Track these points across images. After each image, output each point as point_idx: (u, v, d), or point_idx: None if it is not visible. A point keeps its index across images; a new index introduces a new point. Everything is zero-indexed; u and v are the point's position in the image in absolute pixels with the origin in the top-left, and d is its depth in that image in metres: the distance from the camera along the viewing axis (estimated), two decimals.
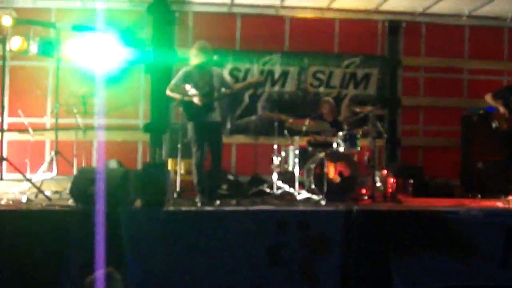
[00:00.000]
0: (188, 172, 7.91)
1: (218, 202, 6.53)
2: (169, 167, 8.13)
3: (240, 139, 9.53)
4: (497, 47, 10.19)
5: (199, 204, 6.47)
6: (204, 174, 6.85)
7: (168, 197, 6.36)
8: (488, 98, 8.16)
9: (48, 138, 8.98)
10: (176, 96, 6.83)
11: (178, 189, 7.26)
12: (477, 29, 10.12)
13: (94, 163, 8.86)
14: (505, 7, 9.44)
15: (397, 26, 9.94)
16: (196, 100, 6.74)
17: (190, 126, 6.88)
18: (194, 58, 6.94)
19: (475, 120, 8.74)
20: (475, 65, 10.16)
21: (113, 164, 8.43)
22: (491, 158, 8.26)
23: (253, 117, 9.56)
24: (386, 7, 9.53)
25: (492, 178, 8.07)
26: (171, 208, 6.02)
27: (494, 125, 8.03)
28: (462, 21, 9.96)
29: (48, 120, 9.10)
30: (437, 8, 9.52)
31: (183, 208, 6.08)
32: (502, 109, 7.95)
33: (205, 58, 6.89)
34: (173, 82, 6.93)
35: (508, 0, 9.00)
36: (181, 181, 7.39)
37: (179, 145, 7.44)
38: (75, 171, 7.23)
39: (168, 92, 6.89)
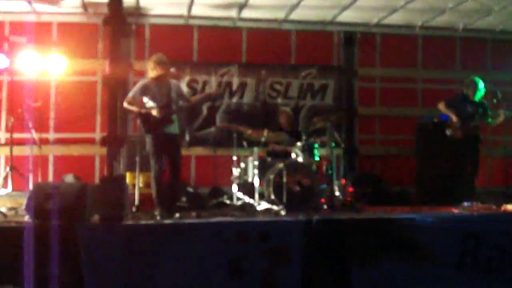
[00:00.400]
0: (147, 185, 7.83)
1: (177, 215, 6.49)
2: (127, 180, 8.03)
3: (199, 151, 9.49)
4: (449, 56, 10.43)
5: (158, 218, 6.40)
6: (163, 187, 6.79)
7: (127, 211, 6.27)
8: (441, 106, 8.32)
9: (2, 153, 8.77)
10: (134, 108, 6.77)
11: (137, 202, 7.18)
12: (430, 40, 10.35)
13: (50, 178, 8.70)
14: (456, 18, 9.69)
15: (352, 37, 10.07)
16: (154, 112, 6.70)
17: (148, 139, 6.81)
18: (151, 70, 6.89)
19: (429, 128, 8.88)
20: (429, 75, 10.38)
21: (70, 179, 8.31)
22: (446, 166, 8.40)
23: (212, 129, 9.53)
24: (341, 18, 9.67)
25: (446, 185, 8.21)
26: (129, 222, 5.94)
27: (448, 133, 8.19)
28: (415, 32, 10.18)
29: (2, 135, 8.90)
30: (391, 20, 9.70)
31: (142, 222, 6.00)
32: (454, 118, 8.12)
33: (162, 70, 6.85)
34: (130, 94, 6.86)
35: (458, 11, 9.23)
36: (140, 194, 7.30)
37: (137, 158, 7.36)
38: (31, 187, 7.08)
39: (125, 105, 6.82)
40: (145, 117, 6.75)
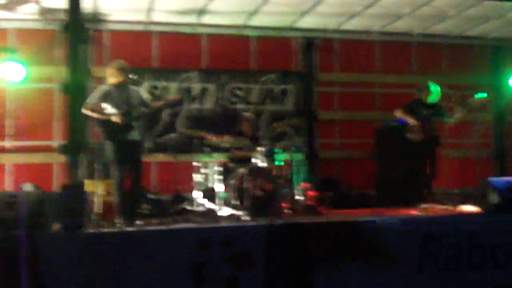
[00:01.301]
0: (107, 193, 7.75)
1: (139, 222, 6.44)
2: (87, 188, 7.92)
3: (160, 157, 9.42)
4: (406, 61, 10.62)
5: (119, 226, 6.35)
6: (125, 195, 6.74)
7: (87, 220, 6.21)
8: (398, 113, 8.45)
9: None
10: (93, 114, 6.71)
11: (97, 210, 7.10)
12: (387, 45, 10.51)
13: (7, 188, 8.53)
14: (413, 24, 9.87)
15: (311, 43, 10.16)
16: (114, 119, 6.65)
17: (108, 146, 6.76)
18: (111, 77, 6.86)
19: (387, 132, 9.02)
20: (386, 79, 10.53)
21: (28, 187, 8.15)
22: (404, 168, 8.54)
23: (173, 135, 9.49)
24: (300, 24, 9.74)
25: (406, 187, 8.35)
26: (90, 230, 5.88)
27: (410, 136, 8.31)
28: (373, 37, 10.32)
29: None
30: (349, 25, 9.83)
31: (104, 230, 5.96)
32: (412, 121, 8.26)
33: (122, 77, 6.82)
34: (89, 100, 6.80)
35: (415, 17, 9.41)
36: (101, 202, 7.23)
37: (96, 166, 7.28)
38: None
39: (84, 111, 6.75)
40: (105, 123, 6.70)
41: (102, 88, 6.89)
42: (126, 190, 6.78)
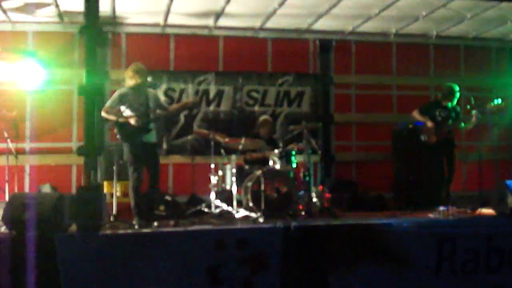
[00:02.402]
0: (124, 194, 7.79)
1: (155, 223, 6.46)
2: (105, 190, 7.97)
3: (177, 159, 9.45)
4: (423, 63, 10.52)
5: (136, 227, 6.38)
6: (142, 196, 6.77)
7: (105, 221, 6.24)
8: (415, 114, 8.42)
9: None
10: (112, 117, 6.75)
11: (114, 212, 7.14)
12: (404, 47, 10.43)
13: (26, 189, 8.60)
14: (430, 26, 9.80)
15: (328, 45, 10.12)
16: (132, 121, 6.69)
17: (126, 147, 6.80)
18: (129, 79, 6.90)
19: (404, 134, 8.94)
20: (403, 81, 10.45)
21: (46, 189, 8.24)
22: (421, 171, 8.48)
23: (189, 137, 9.50)
24: (317, 26, 9.71)
25: (423, 190, 8.29)
26: (107, 231, 5.91)
27: (423, 138, 8.28)
28: (390, 39, 10.26)
29: None
30: (366, 27, 9.77)
31: (120, 231, 5.98)
32: (429, 123, 8.21)
33: (140, 79, 6.85)
34: (108, 103, 6.84)
35: (431, 19, 9.33)
36: (118, 203, 7.26)
37: (114, 167, 7.32)
38: (7, 198, 6.99)
39: (103, 114, 6.80)
40: (123, 125, 6.74)
41: (120, 90, 6.93)
42: (142, 192, 6.81)
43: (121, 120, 6.71)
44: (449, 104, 8.37)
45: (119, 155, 7.18)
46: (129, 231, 6.05)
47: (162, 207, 7.66)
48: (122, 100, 6.79)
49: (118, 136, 6.83)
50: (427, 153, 8.33)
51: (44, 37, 9.04)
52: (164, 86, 9.43)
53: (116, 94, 6.89)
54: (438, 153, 8.23)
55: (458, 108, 8.49)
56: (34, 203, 5.55)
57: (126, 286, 5.52)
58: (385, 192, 8.95)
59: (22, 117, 8.70)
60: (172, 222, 6.63)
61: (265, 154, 8.02)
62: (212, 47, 9.75)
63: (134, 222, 6.55)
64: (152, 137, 6.93)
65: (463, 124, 8.23)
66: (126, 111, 6.74)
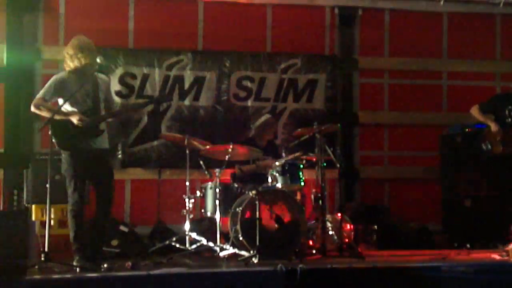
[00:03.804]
0: (61, 223, 7.75)
1: (105, 265, 6.41)
2: (33, 216, 7.92)
3: (137, 173, 9.43)
4: (487, 41, 10.56)
5: (77, 270, 6.32)
6: (86, 225, 6.72)
7: (32, 261, 6.18)
8: (475, 112, 8.38)
9: None
10: (45, 114, 6.70)
11: (46, 248, 7.06)
12: (460, 18, 10.46)
13: None
14: None
15: (351, 15, 10.15)
16: (74, 119, 6.64)
17: (64, 157, 6.74)
18: (70, 60, 6.83)
19: (459, 142, 8.95)
20: (458, 67, 10.49)
21: None
22: (483, 193, 8.46)
23: (155, 143, 9.47)
24: None
25: (485, 220, 8.27)
26: (36, 276, 5.85)
27: (484, 147, 8.26)
28: (439, 8, 10.27)
29: None
30: None
31: (55, 276, 5.91)
32: (493, 126, 8.19)
33: (86, 60, 6.80)
34: (40, 94, 6.78)
35: None
36: (52, 236, 7.19)
37: (47, 185, 7.25)
38: None
39: (33, 109, 6.74)
40: (61, 126, 6.68)
41: (58, 76, 6.87)
42: (87, 219, 6.76)
43: (58, 117, 6.66)
44: None
45: (54, 168, 7.11)
46: (68, 275, 5.99)
47: (115, 242, 7.65)
48: (60, 89, 6.74)
49: (53, 141, 6.77)
50: (490, 168, 8.31)
51: None
52: (119, 71, 9.39)
53: (51, 81, 6.82)
54: (506, 168, 8.20)
55: None
56: None
57: None
58: (431, 223, 8.94)
59: None
60: (129, 263, 6.58)
61: (262, 167, 7.98)
62: (189, 16, 9.75)
63: (75, 262, 6.50)
64: (102, 142, 6.87)
65: None
66: (66, 106, 6.69)
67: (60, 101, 6.73)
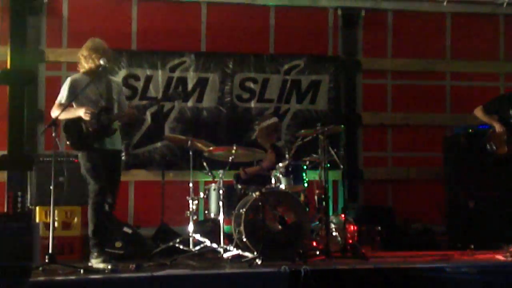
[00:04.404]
0: (65, 225, 7.75)
1: (109, 266, 6.42)
2: (37, 218, 7.93)
3: (141, 175, 9.44)
4: (490, 42, 10.56)
5: (81, 271, 6.32)
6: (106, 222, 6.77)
7: (36, 262, 6.19)
8: (479, 112, 8.36)
9: None
10: (63, 116, 6.67)
11: (50, 250, 7.07)
12: (463, 18, 10.47)
13: None
14: None
15: (354, 16, 10.14)
16: (81, 112, 6.60)
17: (80, 156, 6.76)
18: (85, 61, 6.83)
19: (462, 143, 8.93)
20: (461, 68, 10.48)
21: None
22: (487, 194, 8.45)
23: (159, 144, 9.48)
24: None
25: (489, 221, 8.25)
26: (40, 278, 5.85)
27: (489, 148, 8.24)
28: (443, 8, 10.26)
29: None
30: None
31: (58, 278, 5.92)
32: (498, 127, 8.17)
33: (101, 61, 6.80)
34: (57, 101, 6.74)
35: None
36: (56, 238, 7.20)
37: (51, 187, 7.25)
38: None
39: (56, 114, 6.67)
40: (74, 127, 6.68)
41: (72, 78, 6.85)
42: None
43: (69, 117, 6.67)
44: None
45: (57, 171, 7.11)
46: (72, 277, 5.98)
47: (119, 243, 7.64)
48: (75, 91, 6.73)
49: (67, 142, 6.77)
50: (494, 169, 8.29)
51: None
52: (122, 73, 9.40)
53: (66, 84, 6.81)
54: (510, 169, 8.19)
55: None
56: None
57: None
58: (435, 224, 8.93)
59: None
60: (133, 265, 6.59)
61: (265, 168, 7.99)
62: (192, 18, 9.76)
63: (91, 254, 6.55)
64: (116, 142, 6.93)
65: None
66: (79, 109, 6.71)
67: (75, 103, 6.75)
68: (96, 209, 6.69)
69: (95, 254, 6.61)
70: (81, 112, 6.64)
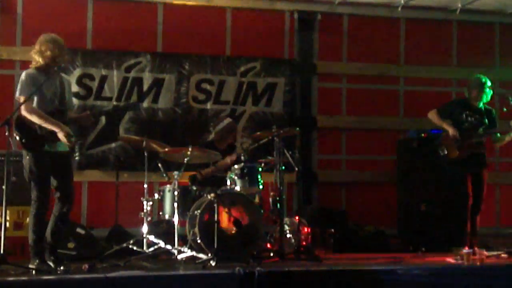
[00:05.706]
0: (17, 225, 7.67)
1: (61, 267, 6.36)
2: None
3: (94, 175, 9.38)
4: (444, 48, 10.68)
5: (33, 272, 6.27)
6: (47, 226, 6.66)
7: None
8: (433, 116, 8.39)
9: None
10: (35, 119, 6.48)
11: (2, 250, 6.99)
12: (417, 24, 10.58)
13: None
14: None
15: (310, 20, 10.18)
16: (60, 135, 6.49)
17: (28, 159, 6.62)
18: (38, 56, 6.67)
19: (415, 146, 9.01)
20: (415, 72, 10.58)
21: None
22: (438, 197, 8.53)
23: (113, 145, 9.43)
24: None
25: (440, 224, 8.33)
26: None
27: (441, 152, 8.30)
28: (397, 13, 10.36)
29: None
30: None
31: (10, 279, 5.87)
32: (451, 131, 8.22)
33: (58, 56, 6.69)
34: (22, 96, 6.52)
35: None
36: (7, 238, 7.11)
37: (3, 187, 7.18)
38: None
39: (25, 114, 6.48)
40: (29, 127, 6.54)
41: (28, 73, 6.62)
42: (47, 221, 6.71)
43: (42, 124, 6.51)
44: (481, 106, 8.33)
45: (11, 170, 7.03)
46: (24, 278, 5.94)
47: (71, 244, 7.58)
48: (33, 85, 6.54)
49: (23, 141, 6.61)
50: (446, 173, 8.38)
51: None
52: (77, 72, 9.33)
53: (25, 79, 6.56)
54: (462, 173, 8.25)
55: (494, 112, 8.41)
56: None
57: None
58: (387, 227, 8.99)
59: None
60: (85, 266, 6.53)
61: (221, 170, 8.01)
62: (148, 17, 9.72)
63: (33, 265, 6.44)
64: (64, 144, 6.80)
65: (499, 135, 8.22)
66: (34, 104, 6.58)
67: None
68: (40, 220, 6.55)
69: (36, 261, 6.46)
70: (59, 133, 6.50)
